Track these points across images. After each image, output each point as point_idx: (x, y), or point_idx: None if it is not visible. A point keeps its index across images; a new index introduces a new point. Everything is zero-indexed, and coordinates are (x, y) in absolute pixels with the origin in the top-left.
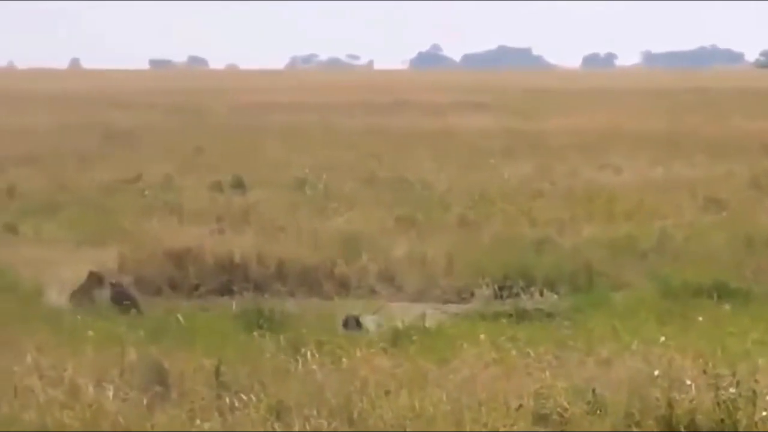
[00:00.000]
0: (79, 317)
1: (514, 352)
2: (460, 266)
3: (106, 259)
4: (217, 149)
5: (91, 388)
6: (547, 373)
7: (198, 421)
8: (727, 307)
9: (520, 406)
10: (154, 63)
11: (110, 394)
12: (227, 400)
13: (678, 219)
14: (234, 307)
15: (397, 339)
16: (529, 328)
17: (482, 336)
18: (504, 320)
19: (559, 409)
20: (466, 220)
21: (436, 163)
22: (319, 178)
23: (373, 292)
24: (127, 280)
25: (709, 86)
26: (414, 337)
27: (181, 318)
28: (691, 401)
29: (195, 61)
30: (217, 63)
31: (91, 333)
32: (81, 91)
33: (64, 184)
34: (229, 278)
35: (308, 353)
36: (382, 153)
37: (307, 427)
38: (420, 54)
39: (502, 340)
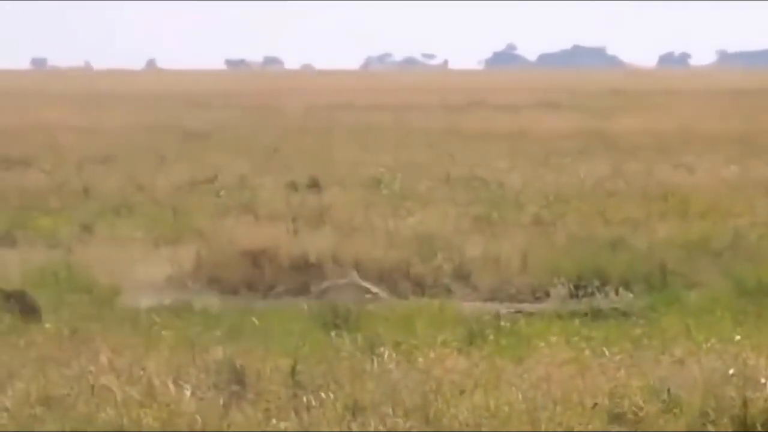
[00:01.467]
0: (155, 317)
1: (588, 352)
2: (535, 265)
3: (182, 259)
4: (292, 149)
5: (168, 388)
6: (622, 372)
7: (274, 421)
8: None
9: (595, 405)
10: (229, 63)
11: (187, 393)
12: (303, 399)
13: (753, 218)
14: (308, 307)
15: (472, 338)
16: (603, 327)
17: (557, 335)
18: (579, 319)
19: (634, 408)
20: (540, 220)
21: (511, 162)
22: (394, 178)
23: (448, 291)
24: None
25: None
26: (489, 337)
27: (255, 320)
28: (766, 400)
29: (270, 61)
30: (292, 63)
31: (167, 333)
32: (157, 91)
33: (140, 184)
34: (304, 278)
35: (384, 353)
36: (457, 152)
37: (383, 427)
38: (495, 53)
39: (576, 340)
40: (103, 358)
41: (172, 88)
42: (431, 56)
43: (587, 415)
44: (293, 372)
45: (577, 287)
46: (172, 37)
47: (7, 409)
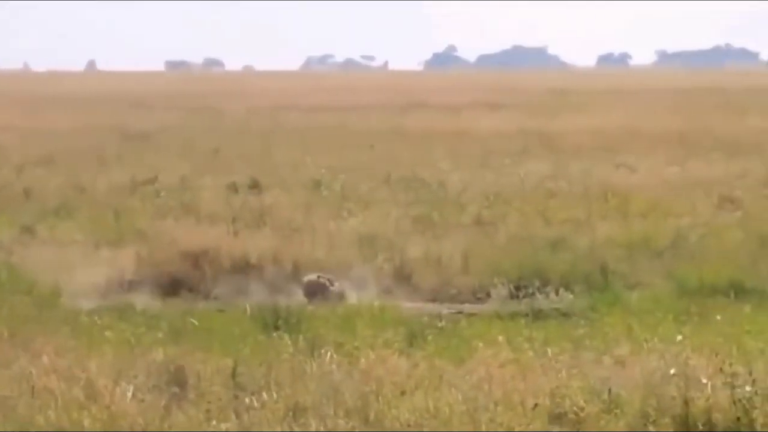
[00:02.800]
0: (97, 318)
1: (530, 352)
2: (476, 266)
3: (123, 260)
4: (233, 150)
5: (109, 389)
6: (563, 372)
7: (215, 422)
8: (743, 306)
9: (536, 405)
10: (170, 64)
11: (128, 394)
12: (245, 400)
13: (693, 218)
14: (250, 308)
15: (413, 339)
16: (544, 327)
17: (498, 336)
18: (520, 320)
19: (575, 409)
20: (481, 220)
21: (452, 163)
22: (335, 179)
23: (388, 292)
24: None
25: (724, 85)
26: (430, 338)
27: (196, 321)
28: (707, 400)
29: (211, 62)
30: (233, 64)
31: (108, 334)
32: (97, 92)
33: (80, 186)
34: (245, 279)
35: (325, 354)
36: (398, 153)
37: (324, 428)
38: (435, 55)
39: (518, 340)
40: (44, 360)
41: (113, 89)
42: (371, 58)
43: (528, 415)
44: (234, 373)
45: (518, 288)
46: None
47: None
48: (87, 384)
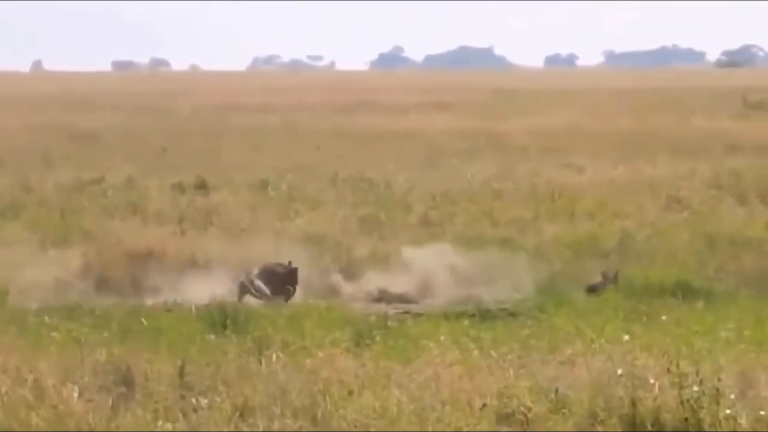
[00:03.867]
0: (46, 318)
1: (477, 352)
2: (422, 266)
3: (70, 260)
4: (180, 150)
5: (56, 389)
6: (511, 372)
7: (161, 422)
8: (690, 306)
9: (484, 405)
10: (116, 65)
11: (76, 394)
12: (192, 400)
13: (640, 218)
14: (197, 308)
15: (360, 339)
16: (492, 327)
17: (445, 336)
18: (467, 320)
19: (522, 409)
20: (428, 220)
21: (399, 163)
22: (282, 179)
23: (335, 292)
24: None
25: (671, 86)
26: (377, 337)
27: (144, 320)
28: (654, 400)
29: (157, 62)
30: (179, 64)
31: (56, 334)
32: (44, 93)
33: (27, 186)
34: (191, 279)
35: (272, 353)
36: (345, 153)
37: (272, 428)
38: (382, 55)
39: (465, 340)
40: None
41: (60, 90)
42: (318, 58)
43: (475, 415)
44: (181, 373)
45: (465, 288)
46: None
47: None
48: (34, 384)
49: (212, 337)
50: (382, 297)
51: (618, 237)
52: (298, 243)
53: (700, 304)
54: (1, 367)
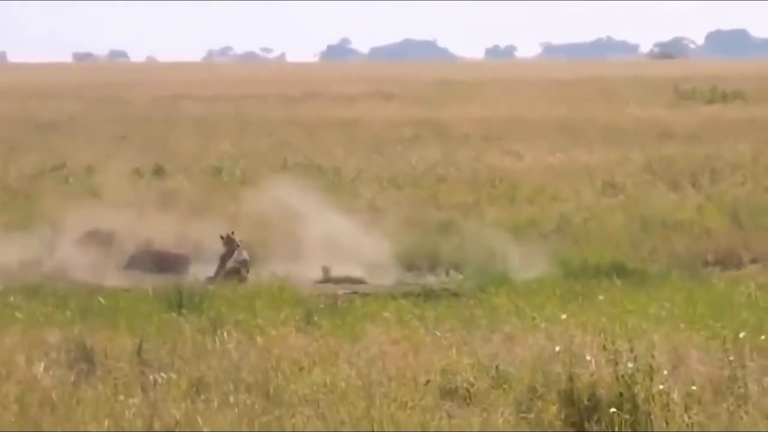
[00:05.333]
0: (10, 298)
1: (421, 330)
2: (369, 248)
3: (33, 242)
4: (137, 138)
5: (21, 366)
6: (454, 349)
7: (122, 397)
8: (624, 286)
9: (428, 381)
10: (77, 56)
11: (40, 370)
12: (150, 377)
13: (577, 202)
14: (153, 288)
15: (310, 318)
16: (435, 307)
17: (391, 315)
18: (411, 300)
19: (465, 384)
20: (374, 205)
21: (346, 150)
22: (236, 165)
23: (286, 273)
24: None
25: (606, 76)
26: (326, 316)
27: (102, 299)
28: (591, 376)
29: (116, 54)
30: (136, 56)
31: (19, 314)
32: (7, 83)
33: None
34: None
35: (226, 332)
36: (295, 141)
37: (226, 402)
38: (329, 47)
39: (410, 319)
40: None
41: (22, 81)
42: (269, 50)
43: (420, 390)
44: (139, 350)
45: (409, 269)
46: (20, 31)
47: None
48: (1, 361)
49: (169, 315)
50: (330, 278)
51: (556, 220)
52: (250, 225)
53: (634, 284)
54: None
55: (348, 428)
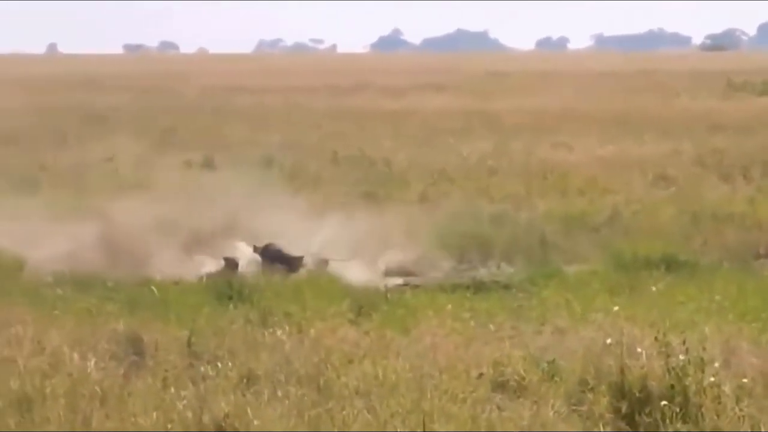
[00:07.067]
0: (59, 290)
1: (472, 323)
2: (421, 240)
3: (83, 234)
4: (187, 130)
5: (70, 358)
6: (505, 342)
7: (172, 389)
8: (675, 278)
9: (481, 374)
10: (127, 47)
11: (89, 363)
12: (200, 369)
13: (628, 195)
14: (204, 280)
15: (360, 310)
16: (486, 299)
17: (442, 307)
18: (462, 292)
19: (516, 377)
20: (426, 197)
21: (397, 142)
22: (286, 157)
23: (336, 265)
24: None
25: (658, 68)
26: (377, 308)
27: (155, 290)
28: (642, 368)
29: (166, 45)
30: (187, 47)
31: (69, 306)
32: (58, 74)
33: (42, 163)
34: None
35: (276, 324)
36: (345, 133)
37: (276, 395)
38: (381, 38)
39: (461, 311)
40: (7, 330)
41: (73, 71)
42: (320, 41)
43: (472, 383)
44: (189, 343)
45: (460, 261)
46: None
47: None
48: (49, 353)
49: (218, 308)
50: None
51: (607, 212)
52: (302, 218)
53: (685, 276)
54: (17, 337)
55: (398, 421)
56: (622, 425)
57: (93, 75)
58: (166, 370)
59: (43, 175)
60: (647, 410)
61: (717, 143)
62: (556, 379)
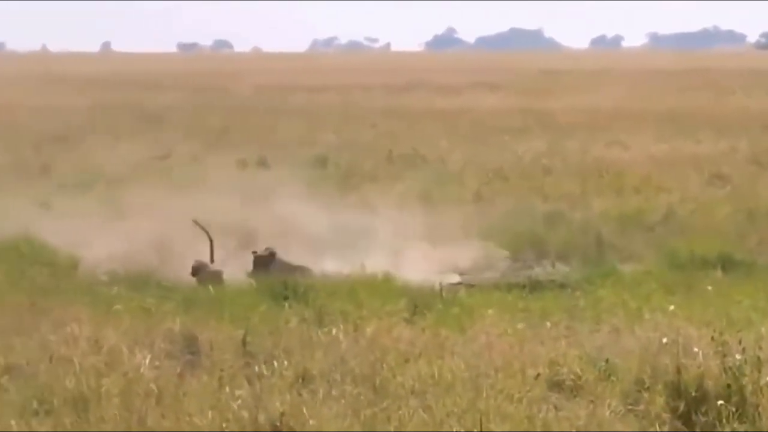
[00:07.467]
0: (114, 289)
1: (528, 322)
2: (475, 239)
3: (139, 233)
4: (241, 129)
5: (126, 357)
6: (562, 341)
7: (228, 389)
8: (732, 277)
9: (538, 375)
10: (181, 46)
11: (145, 362)
12: (255, 368)
13: (684, 193)
14: (258, 280)
15: (416, 309)
16: (541, 298)
17: (497, 306)
18: (517, 291)
19: (572, 376)
20: (480, 196)
21: (451, 141)
22: (341, 156)
23: (391, 264)
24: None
25: (712, 66)
26: (432, 307)
27: (211, 288)
28: (698, 367)
29: (220, 44)
30: (241, 46)
31: (124, 305)
32: (113, 73)
33: (96, 162)
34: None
35: (331, 323)
36: (400, 131)
37: (332, 394)
38: (435, 36)
39: (516, 310)
40: (63, 329)
41: (127, 70)
42: (375, 40)
43: (528, 383)
44: (244, 342)
45: (515, 260)
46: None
47: None
48: (104, 352)
49: (273, 307)
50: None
51: (662, 211)
52: (357, 216)
53: (741, 275)
54: (72, 336)
55: (454, 420)
56: (679, 425)
57: (147, 73)
58: (221, 370)
59: (98, 174)
60: (703, 410)
61: None
62: (613, 378)
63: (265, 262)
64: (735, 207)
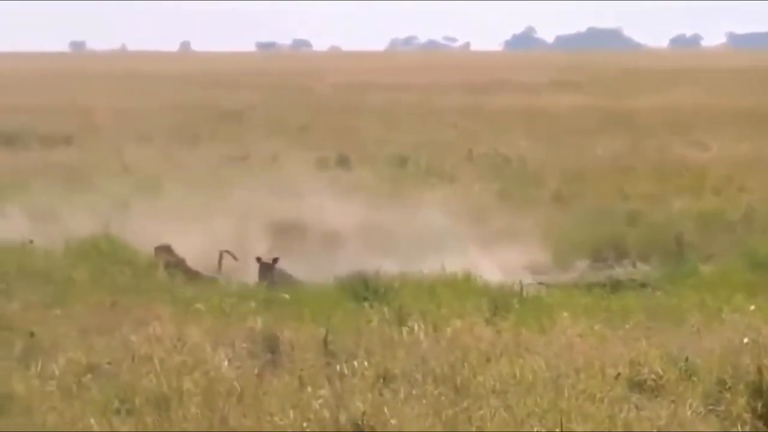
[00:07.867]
0: (193, 288)
1: (608, 322)
2: (555, 238)
3: (219, 232)
4: (321, 127)
5: (206, 356)
6: (642, 341)
7: (309, 388)
8: None
9: (619, 374)
10: (260, 45)
11: (225, 361)
12: (336, 367)
13: (764, 193)
14: (339, 279)
15: (496, 309)
16: (622, 298)
17: (577, 306)
18: (598, 291)
19: (653, 376)
20: (560, 195)
21: (531, 140)
22: (420, 156)
23: (473, 263)
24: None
25: None
26: (513, 307)
27: (286, 296)
28: None
29: (299, 43)
30: (320, 45)
31: (204, 304)
32: (191, 72)
33: (176, 162)
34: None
35: (412, 322)
36: (479, 131)
37: (413, 393)
38: (515, 36)
39: (596, 310)
40: (144, 328)
41: (206, 69)
42: (453, 39)
43: (609, 382)
44: (325, 341)
45: (596, 260)
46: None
47: (55, 377)
48: (185, 351)
49: (354, 306)
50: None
51: (743, 210)
52: (438, 216)
53: None
54: (154, 335)
55: (535, 420)
56: (760, 425)
57: (226, 73)
58: (302, 369)
59: (178, 173)
60: None
61: None
62: (694, 378)
63: (268, 268)
64: None
